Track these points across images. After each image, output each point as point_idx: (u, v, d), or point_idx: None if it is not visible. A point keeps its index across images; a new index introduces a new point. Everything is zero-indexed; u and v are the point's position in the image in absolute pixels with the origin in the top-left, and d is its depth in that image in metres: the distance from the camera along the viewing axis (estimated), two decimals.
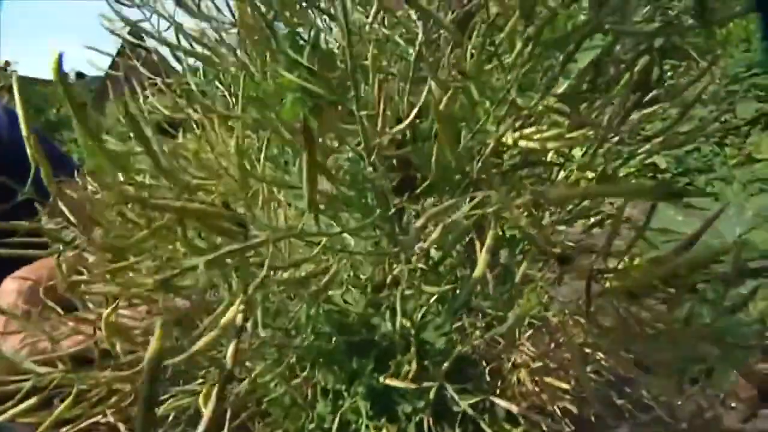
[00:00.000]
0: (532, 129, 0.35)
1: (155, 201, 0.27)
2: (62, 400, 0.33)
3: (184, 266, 0.22)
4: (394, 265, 0.46)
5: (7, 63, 4.87)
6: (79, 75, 6.05)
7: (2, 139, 0.93)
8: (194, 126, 0.54)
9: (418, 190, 0.43)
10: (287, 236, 0.28)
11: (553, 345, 0.44)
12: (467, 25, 0.44)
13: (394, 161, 0.46)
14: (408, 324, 0.41)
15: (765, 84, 3.01)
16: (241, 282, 0.26)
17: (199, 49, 0.43)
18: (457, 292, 0.46)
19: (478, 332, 0.43)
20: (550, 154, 0.42)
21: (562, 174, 0.44)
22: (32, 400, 0.31)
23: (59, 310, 0.41)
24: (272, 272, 0.32)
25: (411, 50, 0.43)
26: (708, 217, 0.36)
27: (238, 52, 0.40)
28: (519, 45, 0.29)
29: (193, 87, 0.57)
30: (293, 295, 0.44)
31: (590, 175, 0.42)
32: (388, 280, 0.45)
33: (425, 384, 0.38)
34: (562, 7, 0.28)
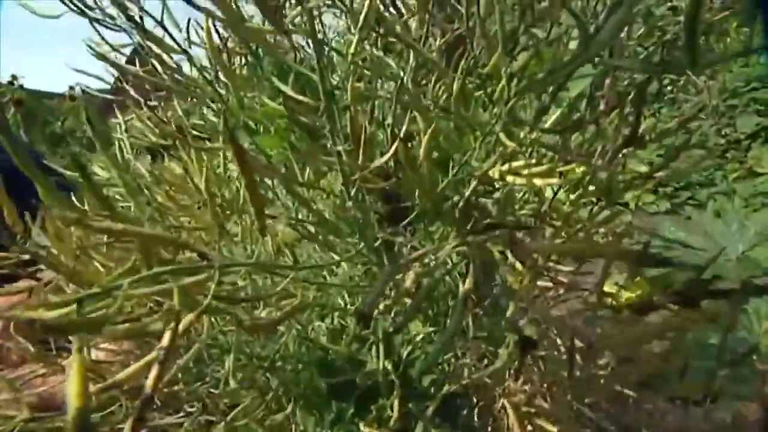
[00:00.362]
0: (520, 163, 0.34)
1: (115, 227, 0.25)
2: None
3: (106, 286, 0.21)
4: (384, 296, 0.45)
5: (14, 77, 4.93)
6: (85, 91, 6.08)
7: None
8: (180, 150, 0.53)
9: (406, 221, 0.41)
10: (237, 265, 0.27)
11: (544, 386, 0.42)
12: (456, 50, 0.42)
13: (384, 189, 0.45)
14: (393, 361, 0.39)
15: (765, 98, 3.01)
16: (181, 307, 0.24)
17: (179, 77, 0.42)
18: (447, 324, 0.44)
19: (466, 370, 0.41)
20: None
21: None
22: None
23: (30, 347, 0.39)
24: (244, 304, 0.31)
25: (402, 73, 0.42)
26: None
27: (217, 84, 0.39)
28: (503, 80, 0.28)
29: (179, 112, 0.56)
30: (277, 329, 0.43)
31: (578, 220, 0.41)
32: (375, 313, 0.44)
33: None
34: (546, 45, 0.27)
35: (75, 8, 0.45)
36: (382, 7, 0.49)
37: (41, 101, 5.79)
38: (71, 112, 5.84)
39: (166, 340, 0.20)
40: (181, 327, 0.20)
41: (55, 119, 6.07)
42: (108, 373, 0.45)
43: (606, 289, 0.36)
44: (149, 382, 0.19)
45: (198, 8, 0.36)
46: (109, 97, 0.66)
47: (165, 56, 0.39)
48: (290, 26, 0.42)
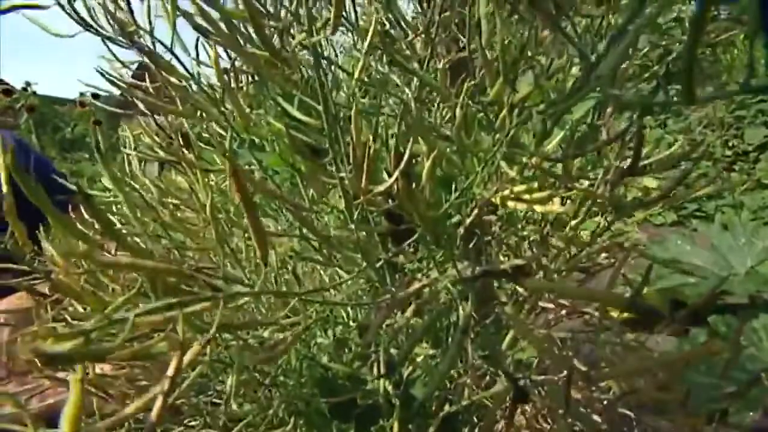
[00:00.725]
0: (522, 188, 0.34)
1: (123, 261, 0.26)
2: None
3: (114, 317, 0.21)
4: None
5: (27, 83, 5.02)
6: (95, 96, 6.20)
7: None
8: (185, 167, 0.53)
9: (408, 242, 0.42)
10: (245, 294, 0.27)
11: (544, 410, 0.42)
12: (460, 70, 0.43)
13: (388, 209, 0.45)
14: (394, 381, 0.40)
15: None
16: (191, 335, 0.24)
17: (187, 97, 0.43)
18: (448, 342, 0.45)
19: (467, 390, 0.41)
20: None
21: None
22: None
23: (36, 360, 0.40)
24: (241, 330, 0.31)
25: (407, 90, 0.43)
26: None
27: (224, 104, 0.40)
28: (505, 109, 0.28)
29: (188, 129, 0.57)
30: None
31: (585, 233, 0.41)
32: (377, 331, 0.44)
33: None
34: (546, 78, 0.27)
35: (90, 29, 0.46)
36: (387, 25, 0.50)
37: (53, 107, 5.89)
38: (82, 118, 5.92)
39: (171, 370, 0.20)
40: (187, 358, 0.21)
41: (65, 125, 6.15)
42: (111, 387, 0.46)
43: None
44: (153, 413, 0.19)
45: (204, 35, 0.37)
46: (118, 111, 0.67)
47: (173, 78, 0.40)
48: (298, 46, 0.43)
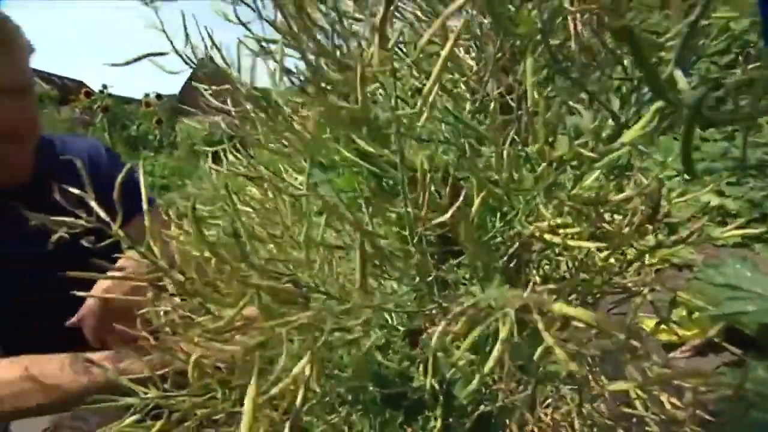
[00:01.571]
0: (558, 221, 0.40)
1: (237, 279, 0.35)
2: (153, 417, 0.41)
3: (267, 337, 0.29)
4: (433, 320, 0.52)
5: (104, 86, 5.50)
6: (159, 96, 6.69)
7: (101, 172, 1.10)
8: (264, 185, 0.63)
9: (456, 262, 0.48)
10: (344, 308, 0.35)
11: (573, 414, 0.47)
12: (509, 109, 0.49)
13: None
14: (438, 380, 0.46)
15: None
16: (307, 341, 0.32)
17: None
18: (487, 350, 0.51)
19: (501, 394, 0.47)
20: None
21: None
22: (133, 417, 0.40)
23: (147, 336, 0.50)
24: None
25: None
26: None
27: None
28: (544, 164, 0.34)
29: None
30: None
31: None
32: (423, 336, 0.51)
33: None
34: (579, 135, 0.33)
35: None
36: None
37: (122, 107, 6.41)
38: (146, 117, 6.40)
39: (299, 368, 0.28)
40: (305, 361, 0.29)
41: (131, 123, 6.66)
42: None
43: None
44: (298, 403, 0.27)
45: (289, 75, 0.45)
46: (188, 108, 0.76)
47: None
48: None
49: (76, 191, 0.43)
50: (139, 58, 0.56)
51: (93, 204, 0.41)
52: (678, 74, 0.22)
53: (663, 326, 0.65)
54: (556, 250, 0.52)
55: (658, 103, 0.32)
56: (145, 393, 0.42)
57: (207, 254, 0.52)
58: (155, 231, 0.46)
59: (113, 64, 0.55)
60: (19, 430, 0.91)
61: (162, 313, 0.50)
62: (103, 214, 0.41)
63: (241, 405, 0.52)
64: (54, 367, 0.67)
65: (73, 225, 0.38)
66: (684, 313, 1.93)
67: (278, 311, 0.37)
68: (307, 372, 0.31)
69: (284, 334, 0.31)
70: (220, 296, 0.43)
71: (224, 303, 0.41)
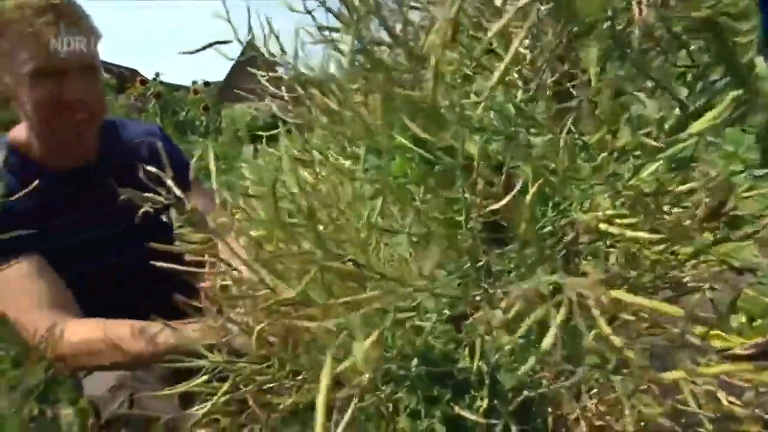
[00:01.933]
0: (614, 212, 0.40)
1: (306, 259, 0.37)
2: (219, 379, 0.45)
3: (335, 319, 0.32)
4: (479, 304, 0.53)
5: (157, 74, 5.77)
6: (206, 83, 6.95)
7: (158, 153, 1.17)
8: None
9: (506, 249, 0.49)
10: (397, 288, 0.36)
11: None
12: (566, 96, 0.49)
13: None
14: (483, 365, 0.48)
15: None
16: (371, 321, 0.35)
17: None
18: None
19: (545, 381, 0.48)
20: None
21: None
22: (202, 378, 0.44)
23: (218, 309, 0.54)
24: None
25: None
26: None
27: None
28: (604, 154, 0.34)
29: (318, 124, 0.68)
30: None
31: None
32: (470, 320, 0.52)
33: (492, 421, 0.44)
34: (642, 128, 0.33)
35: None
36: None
37: (173, 93, 6.71)
38: (194, 103, 6.66)
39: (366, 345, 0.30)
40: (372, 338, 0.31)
41: (180, 109, 6.94)
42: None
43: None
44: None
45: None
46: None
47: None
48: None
49: (153, 170, 0.47)
50: (206, 47, 0.59)
51: (169, 182, 0.45)
52: (760, 61, 0.22)
53: (718, 333, 0.63)
54: (607, 242, 0.52)
55: (735, 92, 0.32)
56: (212, 358, 0.46)
57: (263, 233, 0.56)
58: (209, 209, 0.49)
59: (184, 52, 0.59)
60: (91, 388, 1.00)
61: (221, 286, 0.53)
62: (178, 192, 0.44)
63: (295, 376, 0.55)
64: (126, 331, 0.74)
65: (155, 201, 0.42)
66: (743, 319, 1.82)
67: (341, 291, 0.39)
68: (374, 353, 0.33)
69: (357, 315, 0.33)
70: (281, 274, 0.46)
71: (288, 279, 0.43)
